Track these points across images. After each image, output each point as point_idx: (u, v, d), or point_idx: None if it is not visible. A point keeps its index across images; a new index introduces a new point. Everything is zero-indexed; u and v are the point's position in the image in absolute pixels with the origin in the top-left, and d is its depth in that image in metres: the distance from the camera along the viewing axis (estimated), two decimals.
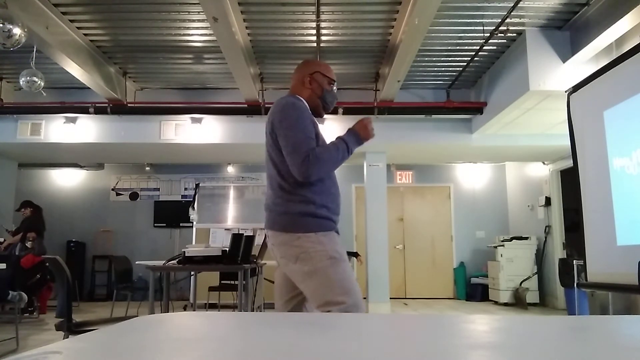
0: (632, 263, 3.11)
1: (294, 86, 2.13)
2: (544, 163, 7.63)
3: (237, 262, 3.54)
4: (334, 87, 2.14)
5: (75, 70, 5.14)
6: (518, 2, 4.29)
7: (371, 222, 6.94)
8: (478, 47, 5.25)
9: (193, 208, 6.94)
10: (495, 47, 5.34)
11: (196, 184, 7.50)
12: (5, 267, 4.60)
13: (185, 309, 6.74)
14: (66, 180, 8.84)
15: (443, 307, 7.60)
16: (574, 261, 5.37)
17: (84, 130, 6.49)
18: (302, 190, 1.92)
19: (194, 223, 7.20)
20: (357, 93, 6.33)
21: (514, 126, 6.05)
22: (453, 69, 5.91)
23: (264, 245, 4.47)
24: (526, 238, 7.67)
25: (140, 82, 6.47)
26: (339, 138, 2.01)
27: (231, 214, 7.63)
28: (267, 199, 2.01)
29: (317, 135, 1.97)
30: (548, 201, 7.51)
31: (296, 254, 1.89)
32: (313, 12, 4.54)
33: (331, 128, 6.20)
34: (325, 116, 6.20)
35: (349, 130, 2.05)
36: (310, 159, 1.86)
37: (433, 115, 6.40)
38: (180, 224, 8.53)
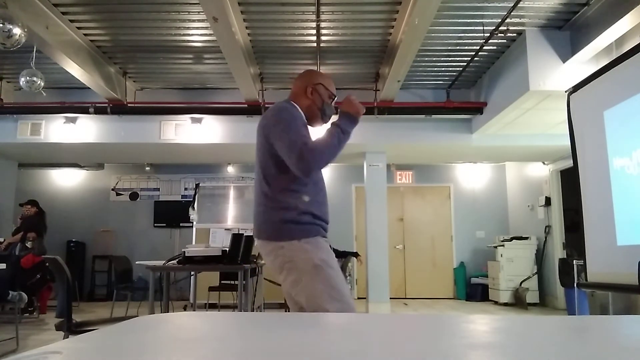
0: (632, 263, 3.11)
1: (295, 93, 2.13)
2: (544, 163, 7.63)
3: (237, 262, 3.55)
4: (333, 102, 2.16)
5: (75, 70, 5.15)
6: (518, 2, 4.29)
7: (371, 222, 6.94)
8: (478, 47, 5.25)
9: (193, 208, 6.93)
10: (495, 47, 5.34)
11: (196, 184, 7.49)
12: (5, 267, 4.59)
13: (185, 309, 6.74)
14: (66, 180, 8.84)
15: (443, 307, 7.60)
16: (574, 261, 5.37)
17: (84, 130, 6.49)
18: (284, 197, 1.91)
19: (194, 223, 7.20)
20: (357, 93, 6.31)
21: (514, 126, 6.05)
22: (453, 69, 5.91)
23: None
24: (526, 238, 7.67)
25: (140, 82, 6.47)
26: (332, 124, 2.01)
27: (231, 214, 7.63)
28: (254, 208, 2.01)
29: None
30: (548, 201, 7.51)
31: (281, 263, 1.88)
32: (313, 12, 4.54)
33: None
34: None
35: (339, 113, 2.04)
36: (305, 152, 1.84)
37: (433, 115, 6.40)
38: (180, 224, 8.52)
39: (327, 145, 1.92)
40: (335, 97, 2.17)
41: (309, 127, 2.06)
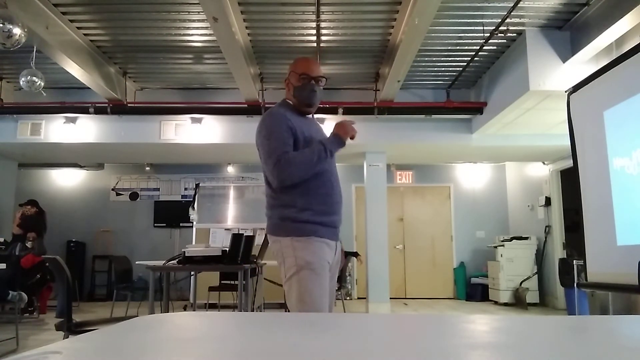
0: (632, 263, 3.11)
1: (286, 91, 2.24)
2: (544, 163, 7.63)
3: (237, 262, 3.55)
4: (309, 80, 2.10)
5: (75, 70, 5.14)
6: (518, 2, 4.29)
7: (371, 222, 6.94)
8: (478, 47, 5.25)
9: (193, 208, 6.93)
10: (495, 47, 5.34)
11: (196, 184, 7.49)
12: (5, 267, 4.59)
13: (185, 309, 6.74)
14: (66, 180, 8.84)
15: (443, 307, 7.60)
16: (574, 261, 5.37)
17: (84, 130, 6.49)
18: (283, 195, 2.01)
19: (194, 223, 7.20)
20: (357, 93, 6.33)
21: (514, 126, 6.05)
22: (453, 69, 5.91)
23: (264, 245, 4.48)
24: (526, 238, 7.67)
25: (140, 82, 6.47)
26: (317, 141, 2.07)
27: (231, 214, 7.63)
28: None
29: (298, 138, 2.01)
30: (548, 201, 7.51)
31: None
32: (313, 12, 4.54)
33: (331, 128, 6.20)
34: (326, 116, 6.24)
35: (329, 134, 2.13)
36: (282, 163, 1.93)
37: (433, 115, 6.40)
38: (180, 224, 8.52)
39: (304, 161, 1.97)
40: (306, 74, 2.11)
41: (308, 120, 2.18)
